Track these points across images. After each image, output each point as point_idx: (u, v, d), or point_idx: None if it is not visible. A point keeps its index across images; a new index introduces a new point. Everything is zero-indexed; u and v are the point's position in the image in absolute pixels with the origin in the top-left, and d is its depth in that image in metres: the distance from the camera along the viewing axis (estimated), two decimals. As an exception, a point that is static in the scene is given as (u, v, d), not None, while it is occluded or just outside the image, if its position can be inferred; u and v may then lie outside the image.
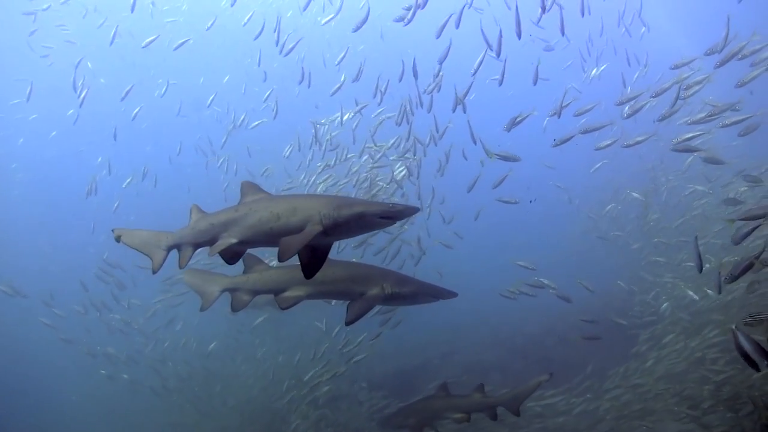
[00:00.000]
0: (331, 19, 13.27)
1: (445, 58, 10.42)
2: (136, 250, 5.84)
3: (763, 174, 11.24)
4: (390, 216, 5.08)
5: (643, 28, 15.91)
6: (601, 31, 12.86)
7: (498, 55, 9.70)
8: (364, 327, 11.04)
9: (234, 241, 5.38)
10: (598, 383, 11.87)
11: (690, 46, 9.66)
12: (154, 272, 5.85)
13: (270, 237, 5.27)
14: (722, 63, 8.92)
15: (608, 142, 9.97)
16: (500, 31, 9.76)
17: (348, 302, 5.92)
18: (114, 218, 17.39)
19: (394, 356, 16.38)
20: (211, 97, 17.01)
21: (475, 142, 9.90)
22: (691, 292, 10.78)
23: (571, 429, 11.09)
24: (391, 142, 11.62)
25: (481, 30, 10.03)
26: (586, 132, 9.39)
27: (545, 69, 10.86)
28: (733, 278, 6.47)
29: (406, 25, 10.14)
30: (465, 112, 10.02)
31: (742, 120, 9.18)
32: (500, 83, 10.09)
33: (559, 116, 10.61)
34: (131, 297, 14.36)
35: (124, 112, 18.16)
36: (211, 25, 16.67)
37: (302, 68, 13.53)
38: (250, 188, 5.80)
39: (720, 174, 12.79)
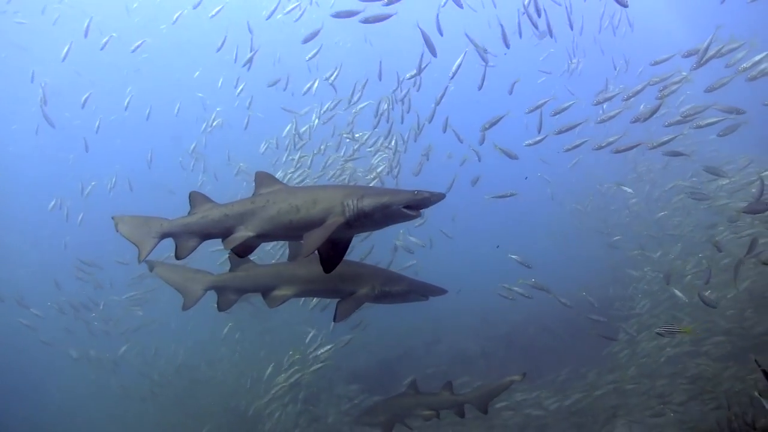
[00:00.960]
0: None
1: (419, 74, 10.24)
2: (126, 238, 5.48)
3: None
4: (416, 205, 4.81)
5: (624, 29, 15.71)
6: (581, 30, 12.69)
7: (486, 63, 9.60)
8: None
9: (251, 234, 5.14)
10: (576, 379, 11.98)
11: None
12: (139, 261, 5.48)
13: (289, 230, 5.06)
14: (699, 65, 8.84)
15: (578, 142, 9.89)
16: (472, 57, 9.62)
17: (337, 300, 5.81)
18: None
19: (377, 345, 16.45)
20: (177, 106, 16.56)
21: (461, 141, 9.81)
22: (678, 292, 10.84)
23: (543, 424, 11.23)
24: (367, 134, 11.48)
25: (467, 35, 9.89)
26: (560, 132, 9.34)
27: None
28: None
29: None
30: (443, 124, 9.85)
31: (717, 121, 9.17)
32: (480, 87, 9.94)
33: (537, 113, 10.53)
34: (111, 296, 14.23)
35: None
36: (176, 19, 16.31)
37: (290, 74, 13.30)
38: (265, 179, 5.54)
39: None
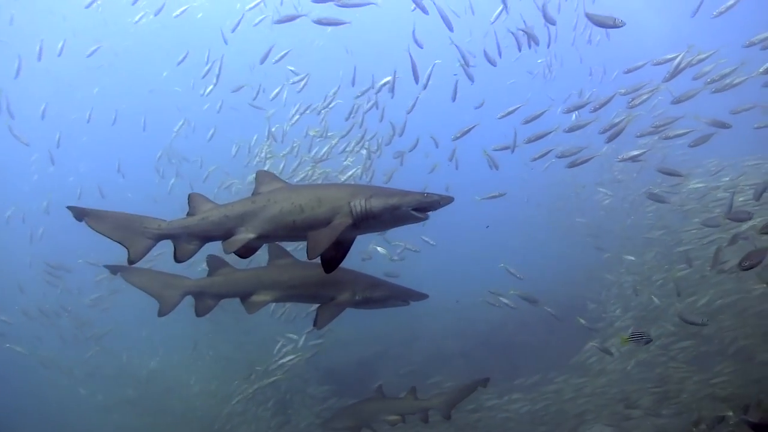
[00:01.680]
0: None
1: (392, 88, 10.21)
2: (105, 235, 5.11)
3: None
4: (425, 207, 4.74)
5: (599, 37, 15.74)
6: (556, 37, 12.64)
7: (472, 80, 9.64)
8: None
9: (252, 236, 4.99)
10: (544, 384, 12.08)
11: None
12: (132, 263, 5.19)
13: (292, 231, 4.92)
14: (669, 78, 8.92)
15: (542, 152, 9.92)
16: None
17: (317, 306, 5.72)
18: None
19: (354, 344, 16.44)
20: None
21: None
22: (655, 299, 10.96)
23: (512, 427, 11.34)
24: (337, 136, 11.46)
25: (456, 45, 9.89)
26: (529, 142, 9.39)
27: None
28: None
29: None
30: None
31: (686, 132, 9.26)
32: (453, 99, 9.98)
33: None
34: (80, 299, 14.07)
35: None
36: (138, 19, 15.98)
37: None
38: (266, 177, 5.39)
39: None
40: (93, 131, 21.10)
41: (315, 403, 13.28)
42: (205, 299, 5.92)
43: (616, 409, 10.63)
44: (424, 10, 9.48)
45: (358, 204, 4.71)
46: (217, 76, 12.28)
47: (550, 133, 9.58)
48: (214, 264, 6.02)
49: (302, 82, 11.61)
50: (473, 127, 9.45)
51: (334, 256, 5.02)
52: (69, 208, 5.13)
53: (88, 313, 14.15)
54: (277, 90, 12.61)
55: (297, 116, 11.91)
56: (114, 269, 5.93)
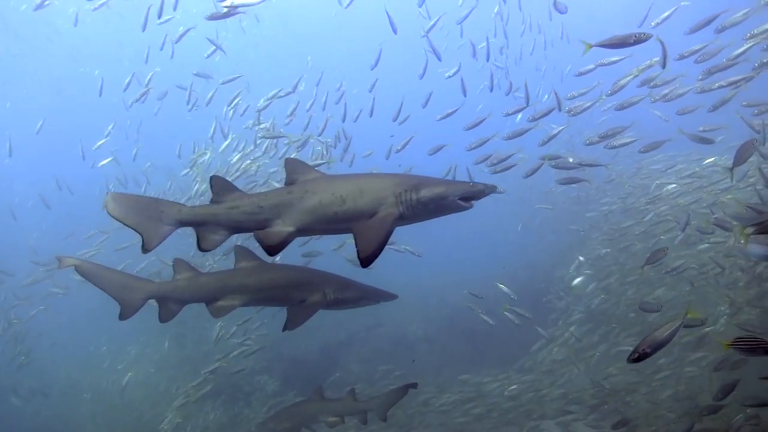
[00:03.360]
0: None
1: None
2: (120, 220, 4.76)
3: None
4: (471, 196, 4.59)
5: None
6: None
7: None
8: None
9: (291, 229, 4.68)
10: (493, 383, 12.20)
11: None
12: (146, 251, 4.84)
13: (333, 223, 4.65)
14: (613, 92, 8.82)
15: (484, 156, 9.82)
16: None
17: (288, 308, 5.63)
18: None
19: (317, 330, 16.42)
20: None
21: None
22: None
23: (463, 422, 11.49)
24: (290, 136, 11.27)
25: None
26: (471, 149, 9.35)
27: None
28: None
29: None
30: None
31: (632, 141, 9.20)
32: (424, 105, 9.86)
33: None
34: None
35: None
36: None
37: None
38: (297, 166, 5.02)
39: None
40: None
41: (268, 397, 13.35)
42: (168, 304, 5.76)
43: (565, 409, 10.76)
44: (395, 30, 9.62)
45: (405, 194, 4.51)
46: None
47: (489, 140, 9.53)
48: (179, 266, 5.89)
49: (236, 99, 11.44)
50: (411, 138, 9.37)
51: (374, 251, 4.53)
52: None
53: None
54: (210, 94, 12.50)
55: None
56: (62, 261, 5.56)
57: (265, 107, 11.05)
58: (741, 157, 6.46)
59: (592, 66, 9.89)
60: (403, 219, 4.57)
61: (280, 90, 10.86)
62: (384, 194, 4.53)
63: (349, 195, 4.57)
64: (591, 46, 6.95)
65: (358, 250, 4.38)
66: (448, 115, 10.36)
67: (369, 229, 4.43)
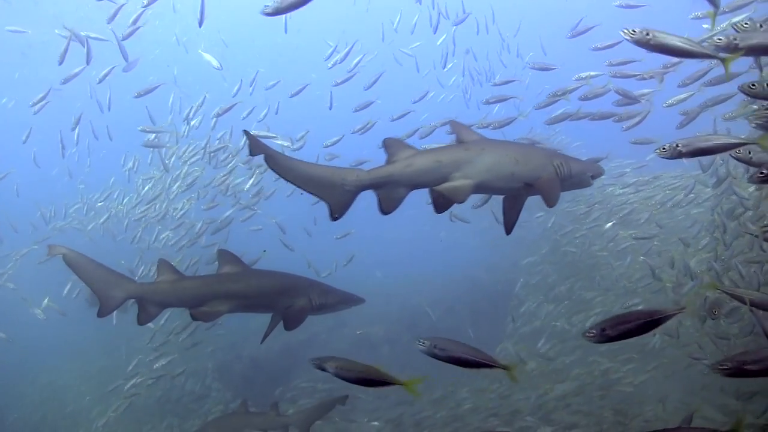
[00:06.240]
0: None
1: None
2: (300, 187, 4.77)
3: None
4: (597, 176, 5.24)
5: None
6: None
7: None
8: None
9: (472, 182, 4.71)
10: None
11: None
12: (335, 219, 4.81)
13: (509, 182, 4.86)
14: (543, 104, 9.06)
15: None
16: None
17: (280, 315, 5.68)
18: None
19: (278, 330, 16.26)
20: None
21: None
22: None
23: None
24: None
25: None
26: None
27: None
28: None
29: None
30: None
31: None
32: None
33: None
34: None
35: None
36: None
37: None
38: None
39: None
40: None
41: (214, 404, 13.18)
42: (148, 306, 5.64)
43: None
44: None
45: (560, 166, 4.92)
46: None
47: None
48: (162, 268, 5.78)
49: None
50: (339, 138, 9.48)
51: (512, 211, 5.15)
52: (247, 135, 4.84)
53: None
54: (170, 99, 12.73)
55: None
56: (53, 249, 5.47)
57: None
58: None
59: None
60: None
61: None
62: (543, 162, 4.92)
63: (521, 158, 4.86)
64: None
65: (547, 201, 4.76)
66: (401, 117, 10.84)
67: (551, 184, 4.82)
